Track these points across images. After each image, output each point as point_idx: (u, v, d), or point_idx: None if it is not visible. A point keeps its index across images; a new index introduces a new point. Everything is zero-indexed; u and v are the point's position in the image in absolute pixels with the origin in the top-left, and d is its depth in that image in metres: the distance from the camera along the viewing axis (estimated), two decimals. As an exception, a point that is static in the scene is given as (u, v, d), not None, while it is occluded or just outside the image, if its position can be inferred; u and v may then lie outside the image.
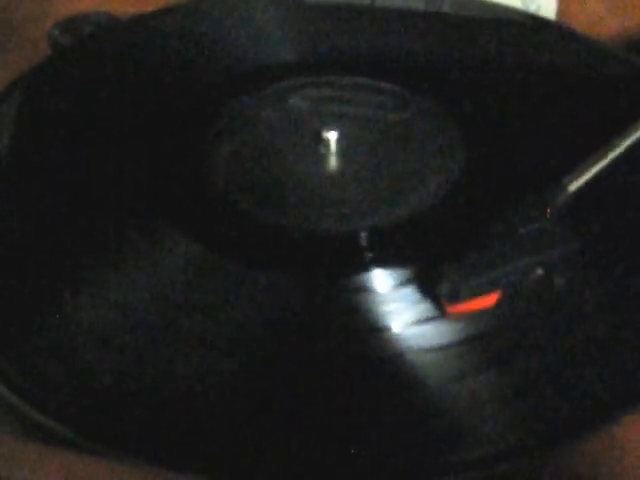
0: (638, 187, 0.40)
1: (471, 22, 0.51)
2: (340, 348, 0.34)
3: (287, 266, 0.37)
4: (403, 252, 0.37)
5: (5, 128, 0.45)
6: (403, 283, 0.36)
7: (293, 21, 0.52)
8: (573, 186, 0.38)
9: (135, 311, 0.36)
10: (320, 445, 0.32)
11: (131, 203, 0.40)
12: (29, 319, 0.36)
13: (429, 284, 0.35)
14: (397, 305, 0.35)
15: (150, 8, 0.53)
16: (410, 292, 0.35)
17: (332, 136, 0.42)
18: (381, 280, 0.36)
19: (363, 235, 0.38)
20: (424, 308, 0.35)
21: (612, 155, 0.39)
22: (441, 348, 0.34)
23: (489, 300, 0.34)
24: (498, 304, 0.35)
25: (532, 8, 0.56)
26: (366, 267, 0.36)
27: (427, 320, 0.35)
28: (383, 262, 0.36)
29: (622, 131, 0.40)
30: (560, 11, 0.57)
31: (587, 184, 0.38)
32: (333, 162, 0.42)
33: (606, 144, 0.40)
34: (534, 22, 0.53)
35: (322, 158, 0.42)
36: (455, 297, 0.34)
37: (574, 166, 0.39)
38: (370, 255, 0.37)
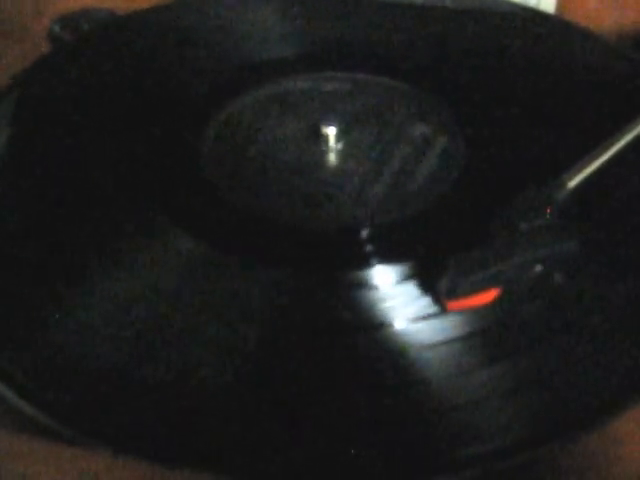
0: (638, 183, 0.41)
1: (470, 16, 0.51)
2: (340, 344, 0.34)
3: (287, 262, 0.37)
4: (403, 248, 0.37)
5: (4, 125, 0.45)
6: (403, 279, 0.36)
7: (292, 16, 0.52)
8: (573, 182, 0.38)
9: (134, 308, 0.36)
10: (320, 442, 0.32)
11: (131, 200, 0.40)
12: (27, 317, 0.36)
13: (429, 280, 0.35)
14: (397, 301, 0.35)
15: (150, 4, 0.53)
16: (410, 288, 0.35)
17: (331, 132, 0.42)
18: (381, 276, 0.36)
19: (363, 231, 0.38)
20: (424, 304, 0.35)
21: (612, 151, 0.39)
22: (440, 345, 0.34)
23: (489, 296, 0.35)
24: (498, 300, 0.35)
25: (531, 2, 0.56)
26: (366, 263, 0.36)
27: (427, 317, 0.35)
28: (383, 258, 0.36)
29: (622, 127, 0.40)
30: (559, 5, 0.57)
31: (587, 180, 0.38)
32: (333, 158, 0.42)
33: (606, 140, 0.40)
34: (533, 16, 0.53)
35: (322, 154, 0.42)
36: (455, 293, 0.34)
37: (574, 162, 0.39)
38: (370, 251, 0.37)
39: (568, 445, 0.33)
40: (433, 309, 0.35)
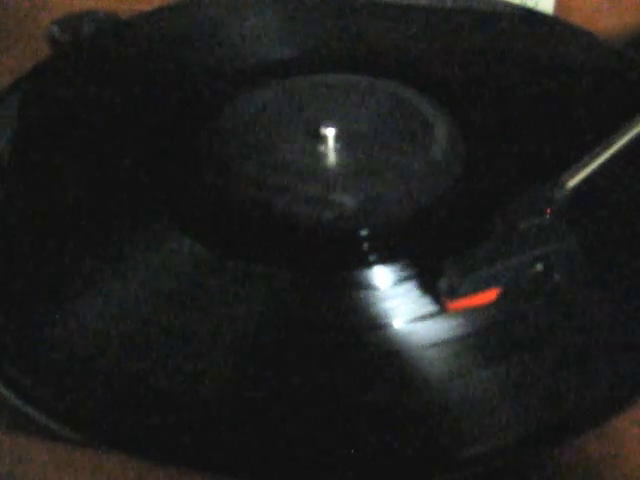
0: (637, 182, 0.41)
1: (469, 16, 0.51)
2: (340, 345, 0.34)
3: (286, 262, 0.37)
4: (403, 248, 0.37)
5: (5, 128, 0.45)
6: (402, 279, 0.36)
7: (293, 18, 0.52)
8: (572, 182, 0.38)
9: (134, 309, 0.36)
10: (319, 442, 0.32)
11: (131, 201, 0.40)
12: (28, 317, 0.36)
13: (429, 280, 0.35)
14: (396, 301, 0.35)
15: (150, 6, 0.53)
16: (410, 288, 0.35)
17: (331, 132, 0.42)
18: (381, 276, 0.36)
19: (363, 231, 0.38)
20: (424, 304, 0.35)
21: (611, 151, 0.39)
22: (440, 345, 0.34)
23: (489, 296, 0.35)
24: (498, 300, 0.35)
25: (530, 3, 0.56)
26: (366, 263, 0.36)
27: (427, 316, 0.35)
28: (383, 258, 0.36)
29: (621, 126, 0.40)
30: (558, 5, 0.57)
31: (586, 180, 0.38)
32: (332, 159, 0.42)
33: (605, 140, 0.40)
34: (532, 16, 0.53)
35: (321, 154, 0.42)
36: (455, 293, 0.34)
37: (573, 162, 0.39)
38: (370, 251, 0.37)
39: (567, 445, 0.33)
40: (433, 309, 0.35)
